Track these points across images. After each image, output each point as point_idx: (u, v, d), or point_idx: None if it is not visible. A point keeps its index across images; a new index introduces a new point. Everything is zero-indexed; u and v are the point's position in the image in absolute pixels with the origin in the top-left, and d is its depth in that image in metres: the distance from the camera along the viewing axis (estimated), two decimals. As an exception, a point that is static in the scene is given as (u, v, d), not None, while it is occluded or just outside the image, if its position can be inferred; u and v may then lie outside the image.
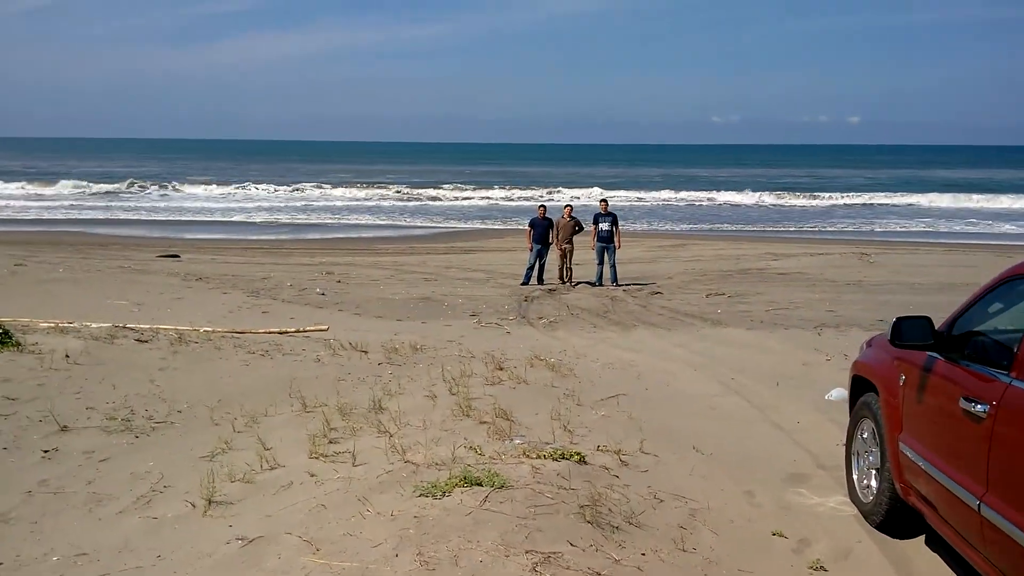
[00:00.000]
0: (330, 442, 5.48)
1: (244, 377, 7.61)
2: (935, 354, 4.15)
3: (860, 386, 5.00)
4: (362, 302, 14.94)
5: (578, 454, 4.87)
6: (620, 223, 18.14)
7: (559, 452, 4.80)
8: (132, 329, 9.99)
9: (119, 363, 7.74)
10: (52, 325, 10.00)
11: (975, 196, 49.22)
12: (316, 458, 5.12)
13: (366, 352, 8.91)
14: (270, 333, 10.85)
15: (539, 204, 19.20)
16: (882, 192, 54.30)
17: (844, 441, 6.28)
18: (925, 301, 15.52)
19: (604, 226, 17.69)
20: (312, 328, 10.88)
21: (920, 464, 4.07)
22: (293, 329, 10.95)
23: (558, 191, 52.38)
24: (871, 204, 46.80)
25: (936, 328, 4.20)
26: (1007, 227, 35.12)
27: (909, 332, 4.15)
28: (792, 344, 10.99)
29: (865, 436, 4.83)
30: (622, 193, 51.73)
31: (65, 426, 5.90)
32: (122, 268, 19.25)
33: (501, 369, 8.16)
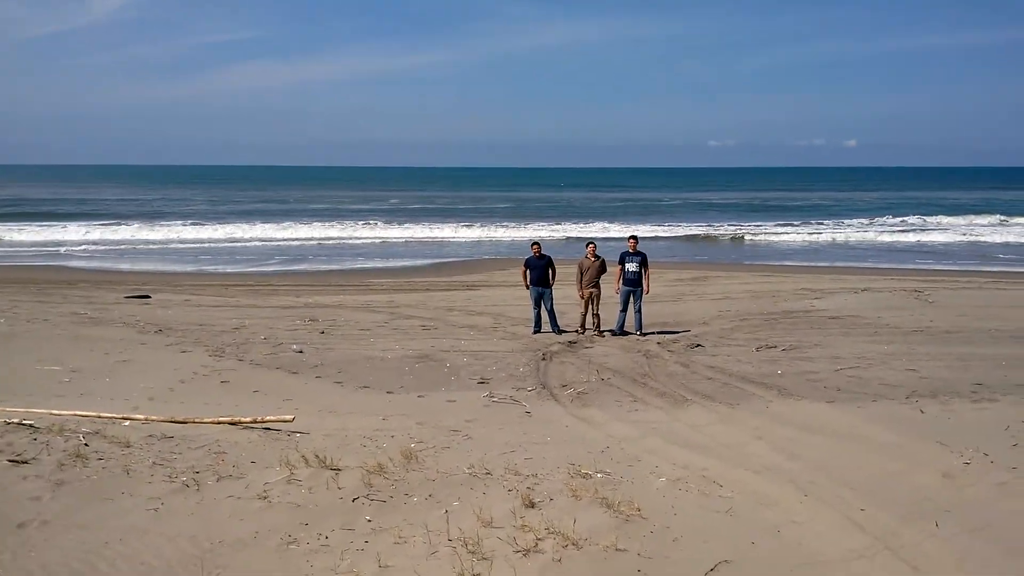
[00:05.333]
0: None
1: (142, 543, 5.00)
2: None
3: None
4: (346, 364, 12.34)
5: None
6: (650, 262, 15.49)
7: None
8: (29, 428, 7.44)
9: (-37, 513, 5.16)
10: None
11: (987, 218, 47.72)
12: None
13: (337, 473, 6.33)
14: (219, 424, 8.27)
15: (532, 241, 16.40)
16: (898, 215, 52.15)
17: None
18: (1017, 354, 13.01)
19: (631, 267, 15.03)
20: (273, 418, 8.28)
21: None
22: (248, 419, 8.36)
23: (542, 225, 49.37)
24: (894, 228, 44.61)
25: None
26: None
27: None
28: (900, 432, 8.40)
29: None
30: (627, 221, 49.34)
31: None
32: (75, 316, 16.66)
33: (532, 507, 5.59)
